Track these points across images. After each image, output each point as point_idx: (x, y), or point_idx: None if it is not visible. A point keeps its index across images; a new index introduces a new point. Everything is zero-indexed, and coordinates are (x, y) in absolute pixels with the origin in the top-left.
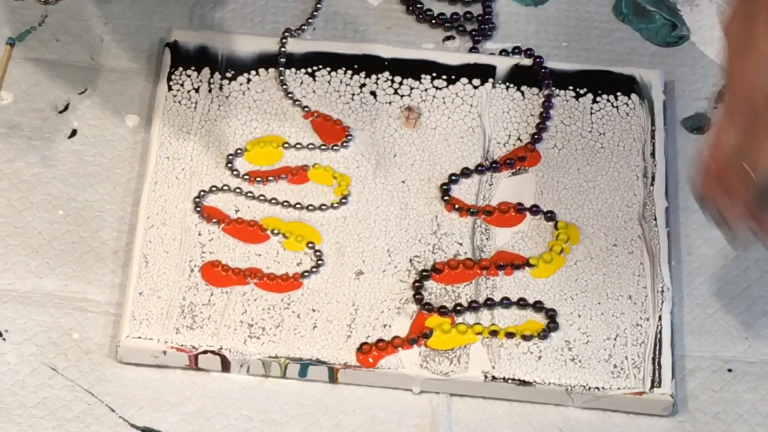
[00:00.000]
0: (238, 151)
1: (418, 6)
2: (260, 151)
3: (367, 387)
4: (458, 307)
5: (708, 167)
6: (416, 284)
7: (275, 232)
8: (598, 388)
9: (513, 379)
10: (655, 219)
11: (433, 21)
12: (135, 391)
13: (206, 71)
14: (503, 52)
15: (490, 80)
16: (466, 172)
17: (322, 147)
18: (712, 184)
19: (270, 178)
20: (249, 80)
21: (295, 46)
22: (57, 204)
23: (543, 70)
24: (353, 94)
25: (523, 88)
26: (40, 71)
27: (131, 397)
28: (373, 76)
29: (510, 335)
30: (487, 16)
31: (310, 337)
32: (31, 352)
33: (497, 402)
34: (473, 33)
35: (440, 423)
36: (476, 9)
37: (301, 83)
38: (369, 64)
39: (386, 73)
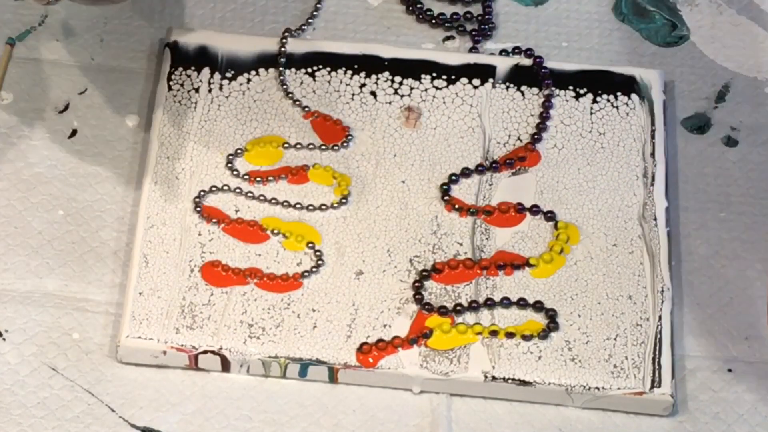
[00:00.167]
0: (238, 151)
1: (418, 6)
2: (260, 151)
3: (367, 387)
4: (458, 307)
5: None
6: (416, 284)
7: (275, 232)
8: (598, 388)
9: (513, 379)
10: (655, 219)
11: (433, 21)
12: (135, 391)
13: (206, 71)
14: (503, 52)
15: (490, 80)
16: (466, 172)
17: (322, 147)
18: None
19: (270, 178)
20: (249, 80)
21: (295, 46)
22: (57, 204)
23: (543, 70)
24: (353, 94)
25: (523, 88)
26: (40, 71)
27: (131, 397)
28: (373, 76)
29: (510, 335)
30: (487, 16)
31: (310, 337)
32: (31, 352)
33: (497, 402)
34: (473, 33)
35: (440, 423)
36: (476, 9)
37: (301, 83)
38: (369, 64)
39: (386, 73)
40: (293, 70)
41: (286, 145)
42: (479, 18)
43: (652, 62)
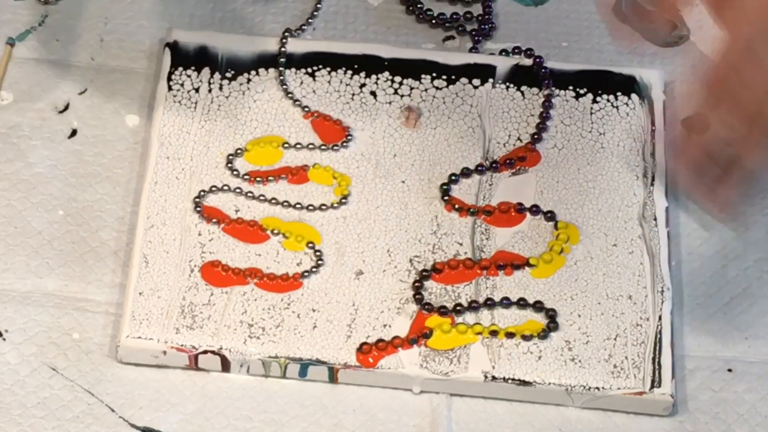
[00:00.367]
0: (238, 151)
1: (418, 6)
2: (260, 151)
3: (367, 387)
4: (458, 307)
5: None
6: (416, 284)
7: (275, 232)
8: (598, 388)
9: (513, 379)
10: (655, 219)
11: (433, 21)
12: (135, 391)
13: (206, 71)
14: (503, 52)
15: (490, 80)
16: (466, 172)
17: (322, 147)
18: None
19: (270, 178)
20: (249, 80)
21: (295, 46)
22: (57, 204)
23: (543, 70)
24: (353, 94)
25: (523, 88)
26: (40, 71)
27: (131, 397)
28: (373, 76)
29: (510, 335)
30: (487, 16)
31: (310, 337)
32: (31, 352)
33: (497, 402)
34: (473, 33)
35: (440, 423)
36: (476, 9)
37: (301, 83)
38: (369, 64)
39: (386, 73)
40: (293, 70)
41: (286, 145)
42: (479, 18)
43: (652, 62)
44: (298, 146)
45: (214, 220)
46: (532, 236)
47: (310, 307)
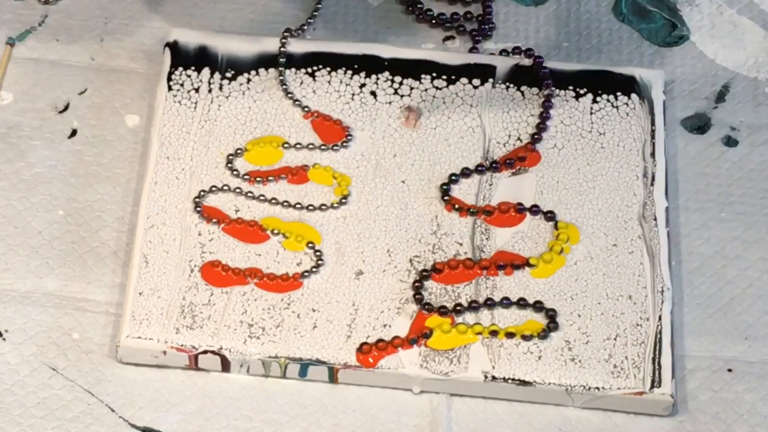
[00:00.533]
0: (238, 151)
1: (418, 6)
2: (260, 151)
3: (367, 387)
4: (458, 307)
5: None
6: (416, 284)
7: (275, 232)
8: (598, 388)
9: (513, 379)
10: (655, 219)
11: (433, 21)
12: (135, 391)
13: (206, 71)
14: (503, 52)
15: (490, 80)
16: (466, 172)
17: (322, 147)
18: None
19: (270, 178)
20: (249, 80)
21: (295, 46)
22: (57, 204)
23: (543, 70)
24: (353, 94)
25: (523, 88)
26: (40, 71)
27: (131, 397)
28: (373, 76)
29: (510, 335)
30: (487, 16)
31: (310, 337)
32: (31, 352)
33: (497, 402)
34: (473, 33)
35: (440, 423)
36: (476, 9)
37: (301, 83)
38: (369, 64)
39: (386, 73)
40: (293, 70)
41: (286, 145)
42: (479, 18)
43: (652, 62)
44: (298, 146)
45: (214, 220)
46: (532, 236)
47: (310, 307)
